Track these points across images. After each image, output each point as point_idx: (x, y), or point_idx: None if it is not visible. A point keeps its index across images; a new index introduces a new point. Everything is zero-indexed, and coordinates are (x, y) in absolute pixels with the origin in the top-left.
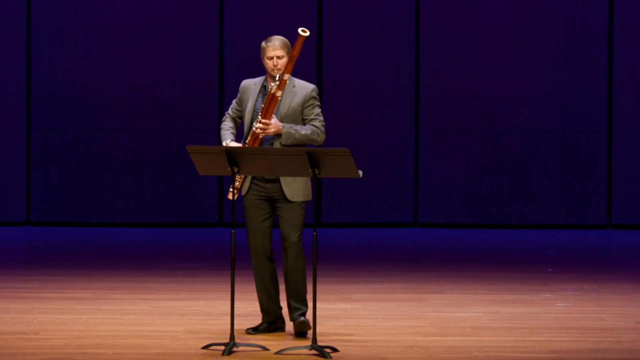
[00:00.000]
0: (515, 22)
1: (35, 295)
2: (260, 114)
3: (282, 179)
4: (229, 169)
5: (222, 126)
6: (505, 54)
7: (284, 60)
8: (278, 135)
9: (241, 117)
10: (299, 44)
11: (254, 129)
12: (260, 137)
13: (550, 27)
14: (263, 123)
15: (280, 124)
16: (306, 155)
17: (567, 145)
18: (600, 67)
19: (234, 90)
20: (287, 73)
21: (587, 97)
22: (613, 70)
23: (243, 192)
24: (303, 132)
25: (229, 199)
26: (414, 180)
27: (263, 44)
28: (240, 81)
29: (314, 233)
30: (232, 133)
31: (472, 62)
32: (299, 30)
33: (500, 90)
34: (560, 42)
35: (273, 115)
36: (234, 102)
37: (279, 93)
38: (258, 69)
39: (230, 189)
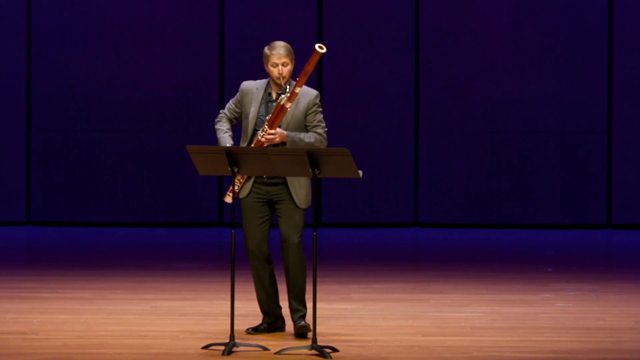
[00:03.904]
0: (515, 22)
1: (35, 295)
2: (267, 123)
3: (290, 185)
4: (229, 169)
5: (218, 127)
6: (505, 54)
7: (289, 67)
8: (283, 143)
9: (237, 119)
10: (314, 60)
11: (259, 137)
12: (266, 145)
13: (550, 27)
14: (270, 134)
15: (285, 132)
16: (306, 155)
17: (567, 145)
18: (600, 67)
19: (234, 91)
20: (299, 87)
21: (587, 97)
22: (613, 70)
23: (242, 195)
24: (307, 141)
25: (227, 202)
26: (414, 180)
27: (266, 50)
28: (240, 81)
29: (314, 233)
30: (230, 136)
31: (472, 62)
32: (316, 46)
33: (500, 90)
34: (560, 42)
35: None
36: (231, 102)
37: (288, 105)
38: (258, 69)
39: (229, 193)
